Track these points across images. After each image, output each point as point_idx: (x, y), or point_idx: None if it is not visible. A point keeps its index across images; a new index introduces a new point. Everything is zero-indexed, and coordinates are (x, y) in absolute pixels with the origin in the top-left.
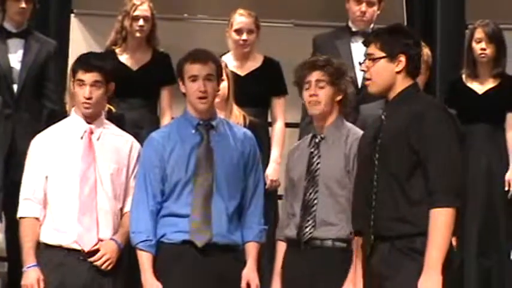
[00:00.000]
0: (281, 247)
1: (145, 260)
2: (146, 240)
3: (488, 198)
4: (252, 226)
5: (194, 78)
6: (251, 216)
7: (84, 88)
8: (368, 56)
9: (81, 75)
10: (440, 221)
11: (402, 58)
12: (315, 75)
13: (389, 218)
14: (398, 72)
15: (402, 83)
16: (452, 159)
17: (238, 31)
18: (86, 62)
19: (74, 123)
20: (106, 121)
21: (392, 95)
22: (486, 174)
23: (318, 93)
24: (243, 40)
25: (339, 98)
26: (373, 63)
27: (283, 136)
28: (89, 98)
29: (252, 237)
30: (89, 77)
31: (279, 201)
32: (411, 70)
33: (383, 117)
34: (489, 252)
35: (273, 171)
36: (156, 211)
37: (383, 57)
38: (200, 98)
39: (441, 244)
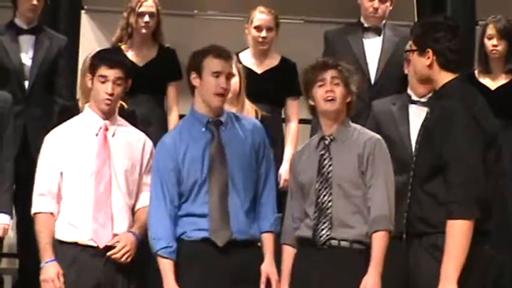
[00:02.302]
0: (288, 252)
1: (166, 266)
2: (167, 247)
3: (501, 194)
4: (267, 216)
5: (217, 74)
6: (265, 205)
7: (107, 84)
8: (409, 47)
9: (104, 71)
10: (456, 233)
11: (430, 53)
12: (329, 73)
13: (415, 216)
14: (429, 66)
15: (441, 77)
16: (472, 169)
17: (258, 28)
18: (110, 58)
19: (88, 120)
20: (119, 118)
21: (436, 87)
22: None
23: (335, 89)
24: (262, 37)
25: (349, 99)
26: (411, 54)
27: (296, 136)
28: (111, 94)
29: (268, 227)
30: (112, 73)
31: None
32: (444, 64)
33: (428, 111)
34: (503, 249)
35: (286, 170)
36: (175, 214)
37: (414, 50)
38: (218, 94)
39: (457, 256)
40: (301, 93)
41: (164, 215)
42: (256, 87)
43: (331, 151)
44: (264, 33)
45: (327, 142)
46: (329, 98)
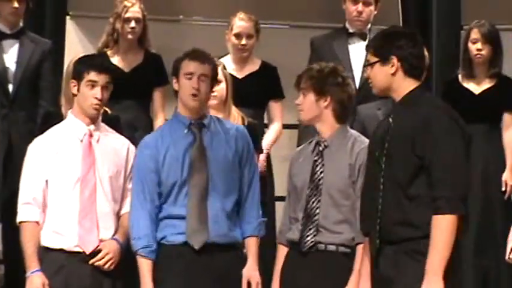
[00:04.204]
0: (282, 251)
1: (145, 266)
2: (147, 246)
3: (485, 198)
4: (251, 220)
5: (190, 76)
6: (249, 210)
7: (96, 89)
8: (366, 62)
9: (94, 76)
10: (442, 227)
11: (394, 60)
12: (300, 84)
13: (393, 221)
14: (393, 74)
15: (404, 85)
16: (456, 166)
17: (238, 35)
18: (99, 63)
19: (72, 126)
20: (102, 123)
21: (397, 97)
22: (483, 175)
23: (301, 101)
24: (242, 45)
25: (324, 103)
26: (371, 68)
27: (277, 133)
28: (100, 99)
29: (251, 231)
30: (102, 78)
31: (277, 203)
32: (409, 71)
33: (390, 120)
34: (486, 253)
35: (261, 160)
36: (155, 215)
37: (376, 61)
38: (192, 95)
39: (443, 250)
40: (283, 96)
41: (144, 214)
42: (237, 91)
43: (324, 158)
44: (244, 41)
45: (321, 148)
46: (298, 109)
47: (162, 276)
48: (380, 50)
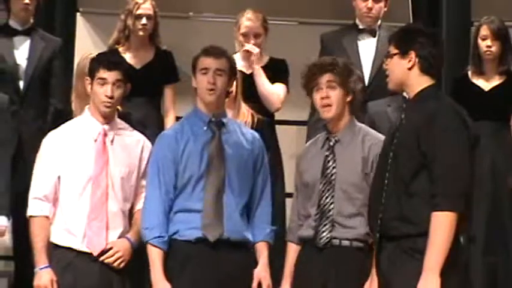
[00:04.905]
0: (291, 249)
1: (156, 256)
2: (159, 237)
3: (493, 196)
4: (262, 226)
5: (205, 71)
6: (260, 216)
7: (106, 86)
8: (387, 53)
9: (103, 73)
10: (440, 224)
11: (412, 55)
12: (325, 77)
13: (394, 217)
14: (410, 69)
15: (419, 82)
16: (457, 163)
17: (245, 35)
18: (108, 60)
19: (87, 124)
20: (119, 120)
21: (411, 93)
22: (491, 172)
23: (330, 95)
24: None
25: (349, 98)
26: (390, 60)
27: (273, 88)
28: (111, 97)
29: (262, 237)
30: (112, 75)
31: (287, 199)
32: (425, 68)
33: (402, 116)
34: (495, 250)
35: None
36: (169, 208)
37: (396, 53)
38: (209, 89)
39: (440, 247)
40: (284, 82)
41: (159, 205)
42: (246, 88)
43: (335, 153)
44: (252, 42)
45: (331, 143)
46: (325, 104)
47: (175, 275)
48: (401, 43)
